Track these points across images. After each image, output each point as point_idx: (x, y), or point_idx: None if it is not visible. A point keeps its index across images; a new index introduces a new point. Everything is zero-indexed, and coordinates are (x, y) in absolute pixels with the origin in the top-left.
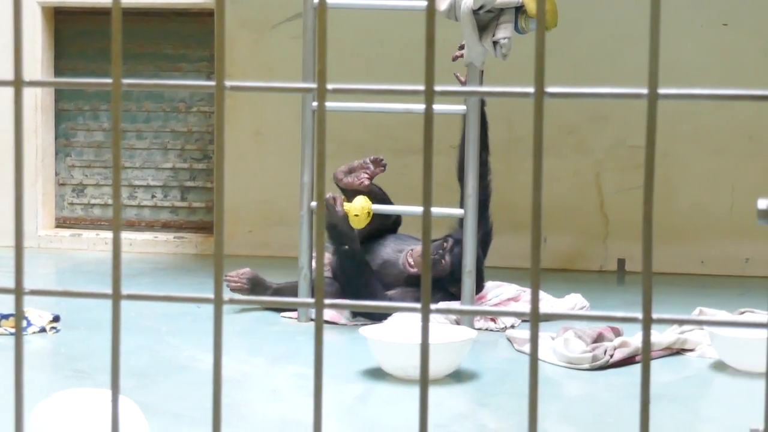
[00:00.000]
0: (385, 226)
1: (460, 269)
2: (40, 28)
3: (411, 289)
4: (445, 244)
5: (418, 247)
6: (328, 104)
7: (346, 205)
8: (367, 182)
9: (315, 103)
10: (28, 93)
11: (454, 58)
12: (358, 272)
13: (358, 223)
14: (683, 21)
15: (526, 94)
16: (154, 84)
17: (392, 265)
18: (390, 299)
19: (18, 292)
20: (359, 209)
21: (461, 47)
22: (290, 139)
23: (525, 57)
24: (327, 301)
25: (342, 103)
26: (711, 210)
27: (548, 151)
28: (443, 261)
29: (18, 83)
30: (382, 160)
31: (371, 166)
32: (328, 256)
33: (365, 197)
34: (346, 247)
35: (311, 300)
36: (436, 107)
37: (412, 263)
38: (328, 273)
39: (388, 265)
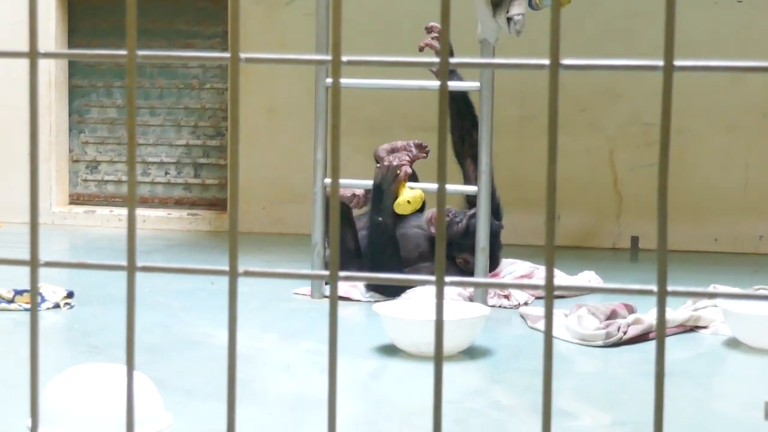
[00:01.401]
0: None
1: (474, 239)
2: (54, 3)
3: (425, 265)
4: (466, 212)
5: (433, 210)
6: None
7: (405, 192)
8: (407, 165)
9: (329, 79)
10: (42, 69)
11: (421, 48)
12: (385, 247)
13: (403, 209)
14: None
15: (541, 66)
16: (169, 56)
17: (409, 239)
18: None
19: (33, 264)
20: (413, 198)
21: (429, 29)
22: (303, 116)
23: (539, 34)
24: (342, 273)
25: (355, 80)
26: (724, 187)
27: (561, 128)
28: (459, 224)
29: (33, 55)
30: (426, 147)
31: (414, 150)
32: (360, 190)
33: (421, 190)
34: (380, 219)
35: (325, 272)
36: (450, 83)
37: (434, 222)
38: (364, 231)
39: (405, 240)
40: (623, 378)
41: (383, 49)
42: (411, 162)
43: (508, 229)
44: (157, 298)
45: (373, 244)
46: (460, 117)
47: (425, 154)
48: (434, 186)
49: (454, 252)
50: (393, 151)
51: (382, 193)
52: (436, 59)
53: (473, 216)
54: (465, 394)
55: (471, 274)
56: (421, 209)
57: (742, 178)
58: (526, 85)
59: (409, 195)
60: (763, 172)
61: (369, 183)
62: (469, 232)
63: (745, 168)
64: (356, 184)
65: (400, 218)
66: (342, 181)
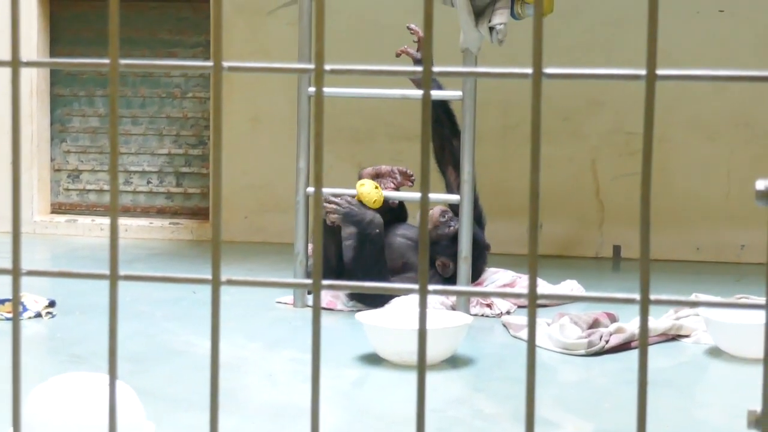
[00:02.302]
0: (398, 219)
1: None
2: (36, 12)
3: (410, 275)
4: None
5: (437, 207)
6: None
7: (360, 193)
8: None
9: (311, 88)
10: (23, 78)
11: (398, 54)
12: (381, 256)
13: (377, 203)
14: (679, 8)
15: (524, 75)
16: (152, 65)
17: (394, 249)
18: None
19: (15, 273)
20: (369, 190)
21: (411, 30)
22: (286, 126)
23: (520, 43)
24: (325, 282)
25: (338, 89)
26: (706, 196)
27: (544, 137)
28: (451, 228)
29: (16, 63)
30: (411, 175)
31: (398, 177)
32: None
33: (367, 179)
34: (377, 231)
35: (308, 281)
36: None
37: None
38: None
39: (389, 249)
40: (606, 387)
41: (366, 58)
42: (396, 188)
43: (491, 238)
44: (139, 307)
45: (362, 256)
46: (440, 124)
47: (411, 183)
48: (417, 195)
49: (436, 253)
50: (377, 175)
51: (363, 221)
52: (420, 68)
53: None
54: (448, 403)
55: (450, 280)
56: (400, 215)
57: (725, 186)
58: (508, 95)
59: (366, 193)
60: (744, 180)
61: (353, 192)
62: (456, 239)
63: (727, 177)
64: (339, 192)
65: (386, 226)
66: (325, 189)
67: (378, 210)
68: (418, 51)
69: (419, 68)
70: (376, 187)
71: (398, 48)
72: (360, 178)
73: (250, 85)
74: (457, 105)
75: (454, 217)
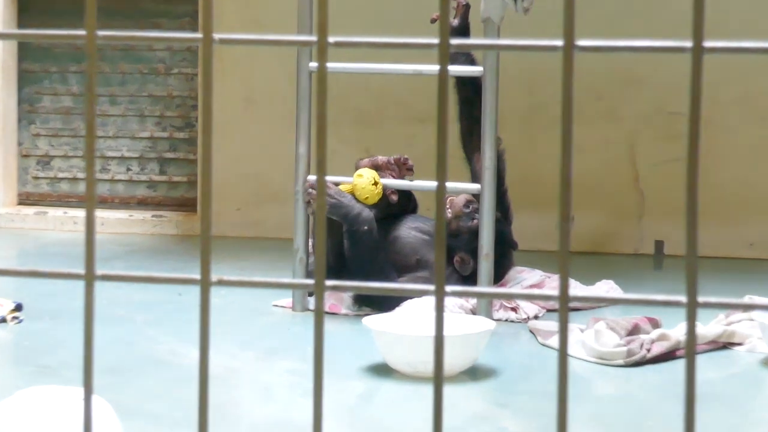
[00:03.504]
0: (406, 211)
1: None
2: None
3: (423, 274)
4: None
5: (462, 196)
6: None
7: (348, 186)
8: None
9: (313, 64)
10: None
11: (433, 20)
12: (373, 256)
13: (371, 199)
14: None
15: (553, 48)
16: (133, 37)
17: (405, 244)
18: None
19: None
20: (365, 183)
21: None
22: (284, 106)
23: (549, 12)
24: (329, 283)
25: (343, 64)
26: (760, 185)
27: (575, 118)
28: (475, 221)
29: None
30: (408, 162)
31: (396, 168)
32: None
33: (368, 169)
34: (366, 228)
35: (310, 281)
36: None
37: (449, 208)
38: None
39: (400, 244)
40: (647, 401)
41: (374, 29)
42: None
43: (516, 233)
44: (117, 312)
45: (355, 255)
46: (468, 105)
47: (411, 171)
48: (432, 184)
49: (455, 248)
50: (375, 168)
51: (348, 215)
52: (435, 40)
53: (497, 219)
54: (467, 420)
55: (470, 279)
56: (407, 207)
57: None
58: (535, 71)
59: (357, 186)
60: None
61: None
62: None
63: None
64: (344, 180)
65: (393, 220)
66: (328, 178)
67: (378, 203)
68: (455, 18)
69: (434, 40)
70: (376, 182)
71: (431, 14)
72: (356, 168)
73: (243, 61)
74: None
75: (477, 209)
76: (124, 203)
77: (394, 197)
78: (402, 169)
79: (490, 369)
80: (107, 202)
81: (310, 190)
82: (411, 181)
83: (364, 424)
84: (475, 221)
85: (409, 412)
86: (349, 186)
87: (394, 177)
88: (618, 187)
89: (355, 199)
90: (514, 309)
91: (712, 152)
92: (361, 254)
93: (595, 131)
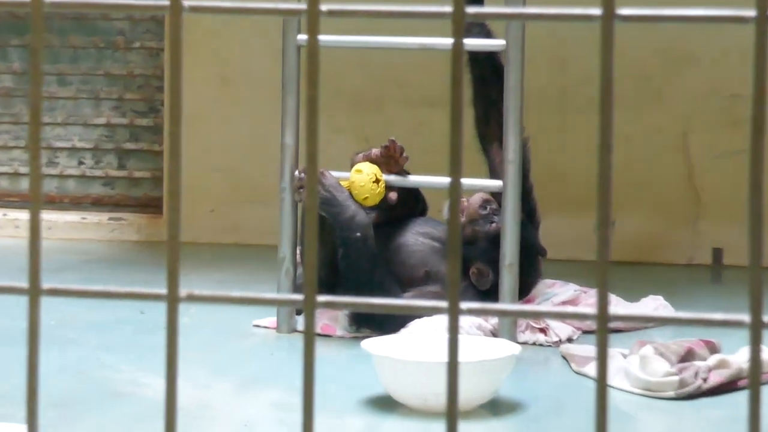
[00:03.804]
0: (412, 213)
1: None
2: None
3: (433, 289)
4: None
5: (478, 195)
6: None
7: (344, 183)
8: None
9: (302, 36)
10: None
11: None
12: (369, 268)
13: (371, 199)
14: None
15: (589, 18)
16: (87, 3)
17: (412, 253)
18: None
19: None
20: (364, 181)
21: None
22: (267, 88)
23: None
24: (321, 298)
25: (337, 37)
26: None
27: (617, 102)
28: (493, 224)
29: None
30: (397, 145)
31: (387, 161)
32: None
33: (368, 163)
34: (358, 234)
35: (298, 297)
36: (467, 41)
37: (464, 211)
38: None
39: (406, 253)
40: None
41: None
42: (397, 174)
43: (543, 239)
44: (68, 334)
45: (349, 267)
46: (485, 84)
47: (404, 157)
48: (443, 180)
49: (471, 257)
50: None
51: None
52: (448, 8)
53: (522, 223)
54: None
55: (489, 294)
56: (414, 208)
57: None
58: (567, 46)
59: (355, 183)
60: None
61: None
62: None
63: None
64: (340, 176)
65: (398, 224)
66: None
67: (380, 204)
68: None
69: (447, 8)
70: (377, 180)
71: None
72: (352, 165)
73: (219, 33)
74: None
75: (499, 210)
76: (76, 203)
77: (393, 197)
78: (394, 160)
79: (514, 402)
80: (55, 203)
81: (304, 175)
82: (407, 174)
83: None
84: (495, 225)
85: None
86: (345, 182)
87: (390, 172)
88: (668, 185)
89: (353, 198)
90: (542, 330)
91: None
92: (355, 266)
93: (641, 117)
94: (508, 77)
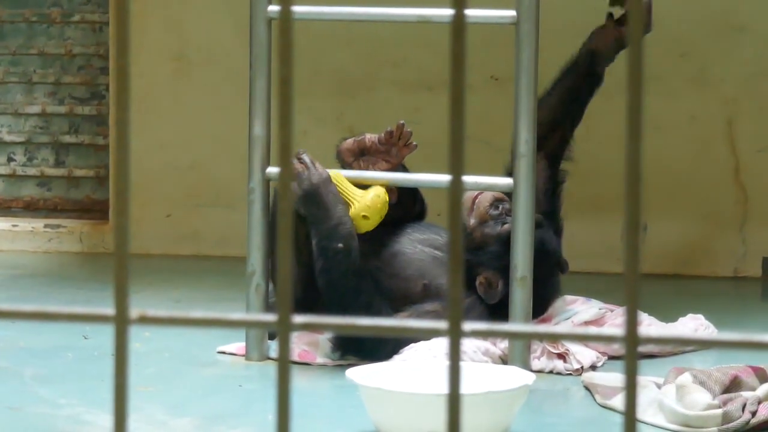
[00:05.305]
0: (408, 216)
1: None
2: None
3: (431, 308)
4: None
5: (489, 193)
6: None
7: (341, 189)
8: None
9: (273, 7)
10: None
11: None
12: (355, 284)
13: (371, 222)
14: None
15: None
16: None
17: (407, 264)
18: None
19: None
20: (369, 207)
21: None
22: (231, 68)
23: None
24: (298, 319)
25: (316, 7)
26: None
27: (649, 83)
28: (504, 225)
29: None
30: (405, 129)
31: (388, 150)
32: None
33: (379, 187)
34: (340, 245)
35: (271, 317)
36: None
37: (472, 212)
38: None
39: (401, 263)
40: None
41: None
42: (393, 168)
43: (564, 248)
44: None
45: (329, 283)
46: (575, 100)
47: (408, 147)
48: (442, 178)
49: (478, 265)
50: (362, 152)
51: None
52: None
53: (538, 224)
54: None
55: (499, 309)
56: (411, 210)
57: None
58: (587, 15)
59: (360, 208)
60: None
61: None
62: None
63: None
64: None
65: (392, 229)
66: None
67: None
68: None
69: None
70: (384, 202)
71: None
72: (338, 155)
73: (173, 3)
74: (509, 31)
75: (508, 209)
76: (5, 208)
77: (393, 197)
78: (397, 149)
79: None
80: None
81: (297, 160)
82: (406, 169)
83: None
84: (508, 226)
85: None
86: (341, 189)
87: (391, 165)
88: (710, 182)
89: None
90: (561, 356)
91: None
92: (337, 283)
93: (678, 102)
94: (519, 55)
